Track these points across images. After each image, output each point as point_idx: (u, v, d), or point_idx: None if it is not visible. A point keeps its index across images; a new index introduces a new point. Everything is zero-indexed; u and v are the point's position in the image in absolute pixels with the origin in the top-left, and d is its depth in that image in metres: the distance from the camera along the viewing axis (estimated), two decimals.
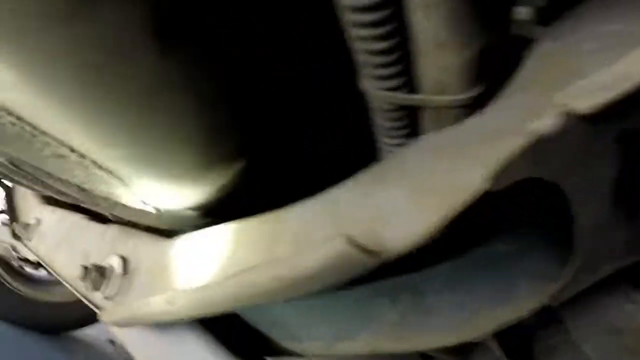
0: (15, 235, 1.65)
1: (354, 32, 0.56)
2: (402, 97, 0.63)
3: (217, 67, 0.63)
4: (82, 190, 0.86)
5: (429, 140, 0.65)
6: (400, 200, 0.61)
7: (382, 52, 0.57)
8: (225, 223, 0.81)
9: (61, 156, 0.75)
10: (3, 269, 2.51)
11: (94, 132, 0.64)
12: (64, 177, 0.86)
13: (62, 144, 0.71)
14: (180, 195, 0.78)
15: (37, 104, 0.59)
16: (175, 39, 0.56)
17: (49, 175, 0.89)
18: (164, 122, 0.62)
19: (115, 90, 0.57)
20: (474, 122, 0.62)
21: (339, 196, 0.68)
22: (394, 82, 0.61)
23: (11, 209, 1.82)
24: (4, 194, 1.87)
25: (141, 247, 1.05)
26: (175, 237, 0.92)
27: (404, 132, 0.72)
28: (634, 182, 0.71)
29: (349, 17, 0.54)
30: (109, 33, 0.51)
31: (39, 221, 1.60)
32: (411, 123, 0.71)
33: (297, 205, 0.72)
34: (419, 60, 0.59)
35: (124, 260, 1.07)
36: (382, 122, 0.71)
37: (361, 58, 0.60)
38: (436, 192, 0.59)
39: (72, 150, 0.72)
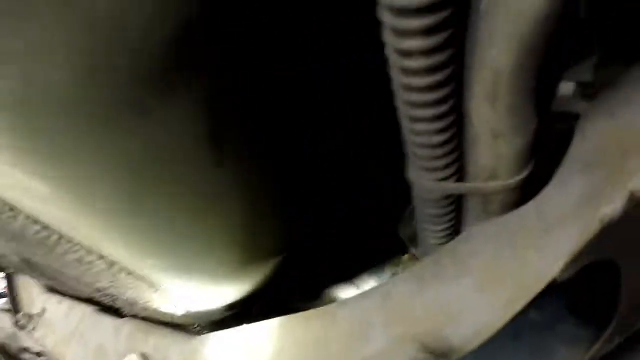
0: (19, 325, 1.56)
1: (411, 126, 0.53)
2: (454, 187, 0.59)
3: (266, 175, 0.59)
4: (105, 295, 0.81)
5: (486, 232, 0.61)
6: (466, 295, 0.57)
7: (439, 145, 0.53)
8: (267, 320, 0.76)
9: (88, 263, 0.70)
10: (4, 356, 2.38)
11: (134, 244, 0.59)
12: (86, 280, 0.81)
13: (90, 251, 0.67)
14: (216, 296, 0.74)
15: (71, 217, 0.55)
16: (231, 149, 0.52)
17: (67, 276, 0.84)
18: (211, 230, 0.58)
19: (165, 202, 0.53)
20: (533, 209, 0.59)
21: (392, 290, 0.64)
22: (445, 173, 0.58)
23: (13, 297, 1.74)
24: (5, 280, 1.79)
25: (165, 345, 0.98)
26: (206, 335, 0.86)
27: (449, 218, 0.68)
28: None
29: (408, 112, 0.51)
30: (164, 145, 0.48)
31: (44, 311, 1.52)
32: (457, 209, 0.67)
33: (346, 302, 0.67)
34: (472, 150, 0.56)
35: (145, 357, 1.00)
36: (427, 210, 0.67)
37: (415, 151, 0.56)
38: (506, 285, 0.55)
39: (101, 257, 0.68)
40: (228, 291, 0.73)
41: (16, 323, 1.58)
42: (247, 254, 0.65)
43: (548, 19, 0.38)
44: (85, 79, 0.39)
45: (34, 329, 1.51)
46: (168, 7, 0.38)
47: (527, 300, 0.54)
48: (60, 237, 0.64)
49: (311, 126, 0.87)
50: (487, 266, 0.56)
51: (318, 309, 0.70)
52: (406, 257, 1.17)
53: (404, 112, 0.51)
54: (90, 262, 0.69)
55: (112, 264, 0.67)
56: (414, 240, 1.06)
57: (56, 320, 1.44)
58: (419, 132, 0.52)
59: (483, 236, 0.60)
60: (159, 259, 0.61)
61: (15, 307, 1.72)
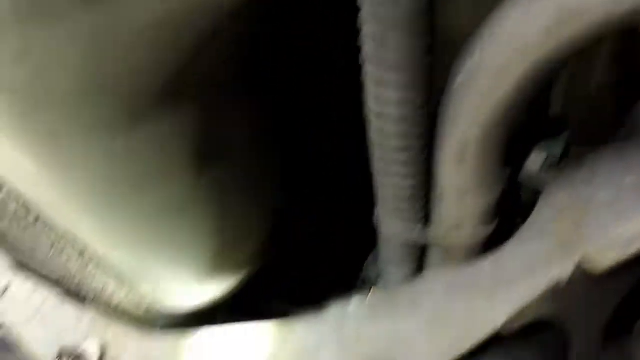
0: None
1: (382, 166, 0.57)
2: (418, 233, 0.64)
3: (244, 187, 0.63)
4: (72, 282, 0.83)
5: (442, 277, 0.66)
6: (416, 332, 0.61)
7: (407, 188, 0.58)
8: (227, 325, 0.78)
9: (59, 248, 0.73)
10: None
11: (110, 232, 0.62)
12: (55, 263, 0.83)
13: (63, 237, 0.69)
14: (182, 297, 0.76)
15: (53, 197, 0.58)
16: (213, 159, 0.56)
17: (37, 257, 0.86)
18: (187, 230, 0.62)
19: (146, 199, 0.56)
20: (489, 262, 0.64)
21: (346, 318, 0.68)
22: (412, 217, 0.63)
23: None
24: None
25: (124, 335, 0.99)
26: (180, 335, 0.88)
27: (412, 261, 0.73)
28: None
29: (382, 150, 0.55)
30: (151, 150, 0.52)
31: (7, 287, 1.51)
32: (420, 256, 0.72)
33: (305, 320, 0.71)
34: (439, 201, 0.61)
35: (102, 347, 1.01)
36: (391, 255, 0.72)
37: (384, 193, 0.61)
38: (452, 329, 0.59)
39: (74, 245, 0.70)
40: (195, 294, 0.76)
41: None
42: (216, 260, 0.69)
43: (515, 104, 0.44)
44: (89, 84, 0.43)
45: None
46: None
47: (470, 346, 0.58)
48: (38, 217, 0.66)
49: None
50: (437, 307, 0.60)
51: (288, 319, 0.73)
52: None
53: (377, 150, 0.56)
54: (61, 249, 0.72)
55: (81, 253, 0.70)
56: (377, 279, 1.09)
57: (19, 297, 1.43)
58: (389, 173, 0.57)
59: (439, 280, 0.65)
60: (130, 252, 0.64)
61: None
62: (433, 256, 0.72)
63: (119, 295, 0.80)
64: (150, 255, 0.64)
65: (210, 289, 0.75)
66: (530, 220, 0.64)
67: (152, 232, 0.60)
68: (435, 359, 0.58)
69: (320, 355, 0.66)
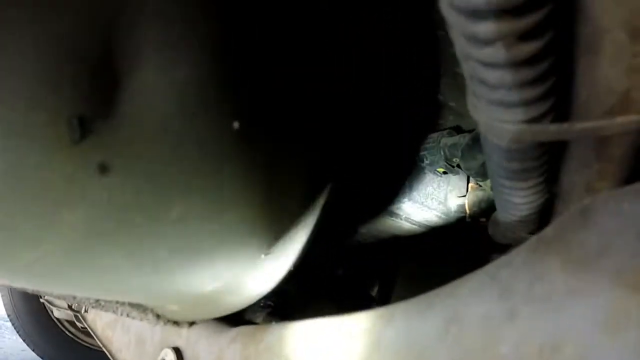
0: (71, 308, 1.55)
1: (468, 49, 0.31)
2: (554, 130, 0.37)
3: None
4: None
5: None
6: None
7: (528, 62, 0.31)
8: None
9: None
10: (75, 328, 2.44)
11: None
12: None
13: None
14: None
15: None
16: None
17: None
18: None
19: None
20: None
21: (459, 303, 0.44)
22: (538, 109, 0.36)
23: None
24: None
25: (196, 337, 0.86)
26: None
27: (540, 172, 0.47)
28: None
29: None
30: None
31: None
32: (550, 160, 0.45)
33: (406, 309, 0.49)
34: (585, 64, 0.33)
35: (178, 352, 0.89)
36: (506, 164, 0.46)
37: (487, 77, 0.35)
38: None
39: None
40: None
41: (69, 306, 1.58)
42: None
43: None
44: None
45: (86, 311, 1.49)
46: None
47: None
48: None
49: None
50: None
51: (375, 310, 0.52)
52: None
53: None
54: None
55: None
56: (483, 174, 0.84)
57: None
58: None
59: None
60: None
61: None
62: (576, 160, 0.45)
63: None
64: None
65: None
66: None
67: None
68: None
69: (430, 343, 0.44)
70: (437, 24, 0.75)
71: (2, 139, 0.33)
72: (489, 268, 0.43)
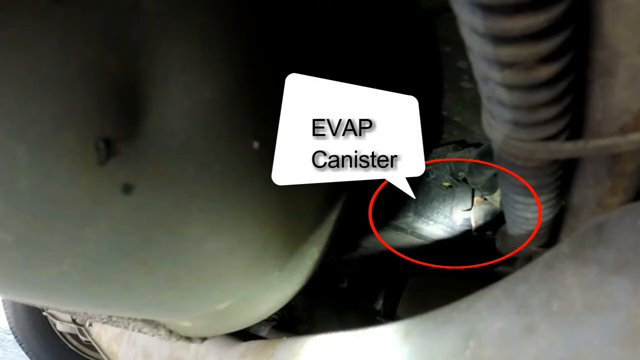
0: (75, 322, 1.54)
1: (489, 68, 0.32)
2: (569, 148, 0.38)
3: None
4: None
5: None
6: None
7: (547, 83, 0.32)
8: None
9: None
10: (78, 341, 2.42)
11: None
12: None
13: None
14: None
15: None
16: None
17: None
18: None
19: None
20: None
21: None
22: (554, 128, 0.37)
23: None
24: None
25: (204, 351, 0.85)
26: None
27: (553, 187, 0.47)
28: None
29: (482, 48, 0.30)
30: None
31: None
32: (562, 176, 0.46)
33: (423, 324, 0.49)
34: (602, 84, 0.34)
35: None
36: (518, 180, 0.47)
37: (503, 97, 0.35)
38: None
39: None
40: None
41: (73, 319, 1.57)
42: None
43: None
44: None
45: (90, 325, 1.48)
46: None
47: None
48: None
49: None
50: None
51: (392, 325, 0.53)
52: None
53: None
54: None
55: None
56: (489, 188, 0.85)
57: None
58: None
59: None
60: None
61: None
62: (587, 176, 0.46)
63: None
64: None
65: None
66: None
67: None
68: None
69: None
70: (442, 40, 0.76)
71: (31, 156, 0.34)
72: (505, 283, 0.43)
